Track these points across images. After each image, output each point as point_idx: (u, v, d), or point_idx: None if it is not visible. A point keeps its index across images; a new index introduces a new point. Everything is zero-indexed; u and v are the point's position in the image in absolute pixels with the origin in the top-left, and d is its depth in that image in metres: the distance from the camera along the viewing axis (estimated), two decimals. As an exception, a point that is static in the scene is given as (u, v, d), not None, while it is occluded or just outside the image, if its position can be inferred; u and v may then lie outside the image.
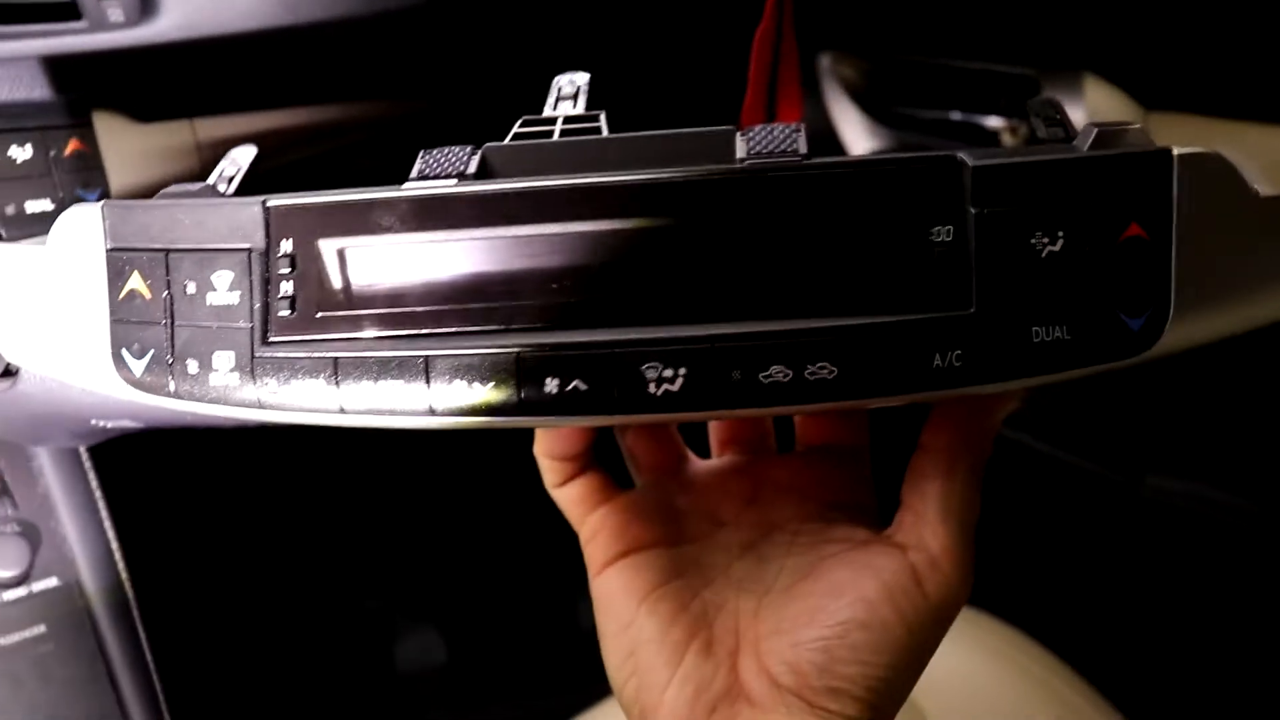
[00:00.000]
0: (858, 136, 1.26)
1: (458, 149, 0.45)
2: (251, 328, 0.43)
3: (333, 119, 0.92)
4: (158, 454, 0.90)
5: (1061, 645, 0.98)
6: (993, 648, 0.96)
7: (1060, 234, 0.39)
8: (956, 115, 1.18)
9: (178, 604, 0.88)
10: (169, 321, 0.44)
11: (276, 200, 0.43)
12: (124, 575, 0.80)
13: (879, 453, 0.59)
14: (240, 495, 1.13)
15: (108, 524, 0.81)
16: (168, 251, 0.44)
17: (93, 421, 0.61)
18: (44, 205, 0.72)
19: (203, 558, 1.10)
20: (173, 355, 0.44)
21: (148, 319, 0.44)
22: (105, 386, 0.46)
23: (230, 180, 0.49)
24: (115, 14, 0.80)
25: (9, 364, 0.66)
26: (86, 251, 0.46)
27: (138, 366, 0.44)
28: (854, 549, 0.50)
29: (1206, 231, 0.39)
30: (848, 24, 1.23)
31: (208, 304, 0.43)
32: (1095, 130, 0.41)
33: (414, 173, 0.44)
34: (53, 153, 0.73)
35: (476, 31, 1.02)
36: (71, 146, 0.74)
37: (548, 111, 0.49)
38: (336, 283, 0.43)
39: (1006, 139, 1.13)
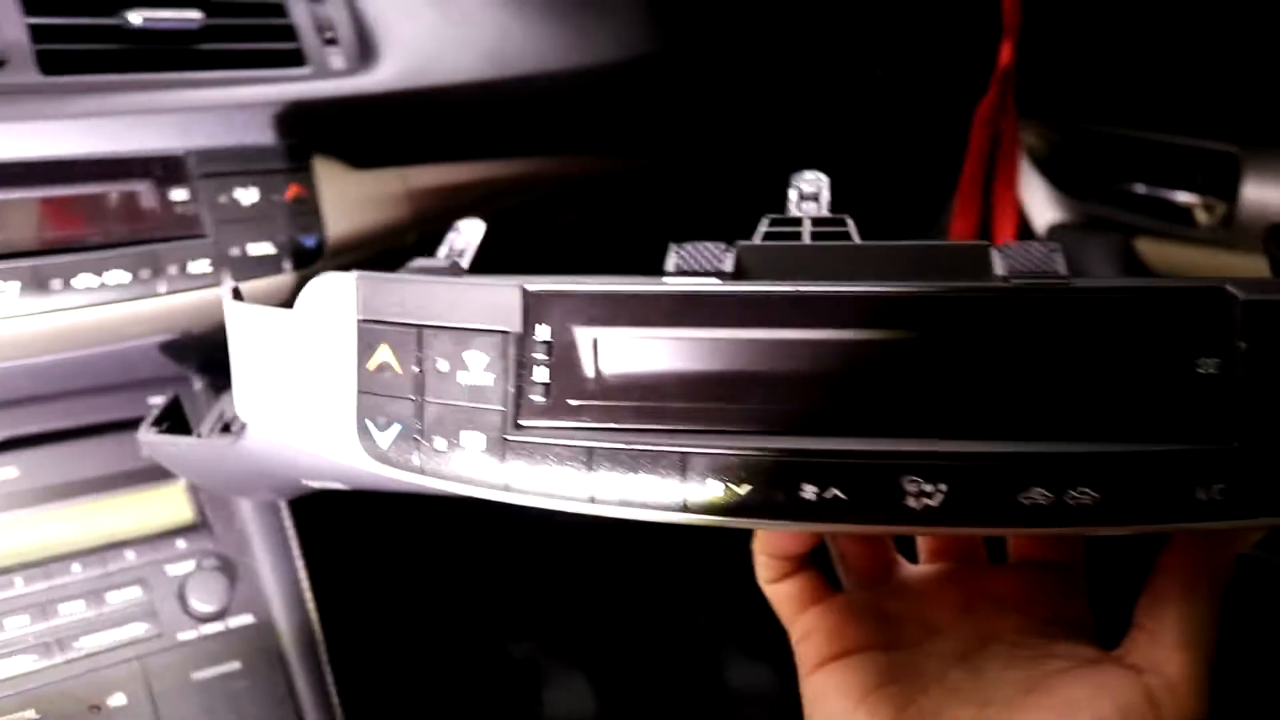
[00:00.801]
0: (1042, 206, 1.25)
1: (711, 245, 0.46)
2: (504, 411, 0.44)
3: (537, 172, 0.94)
4: (347, 498, 0.93)
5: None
6: None
7: None
8: (1146, 189, 1.16)
9: (361, 645, 0.90)
10: (419, 397, 0.45)
11: (535, 285, 0.44)
12: (313, 615, 0.83)
13: (1092, 569, 0.58)
14: (417, 541, 1.15)
15: (299, 563, 0.84)
16: (421, 327, 0.45)
17: (303, 482, 0.63)
18: (266, 249, 0.75)
19: (382, 600, 1.13)
20: (421, 431, 0.45)
21: (397, 393, 0.46)
22: (346, 455, 0.47)
23: (462, 254, 0.51)
24: (337, 62, 0.83)
25: (232, 420, 0.68)
26: (336, 320, 0.47)
27: (383, 439, 0.46)
28: (1083, 667, 0.50)
29: None
30: (1036, 92, 1.22)
31: (460, 383, 0.45)
32: None
33: (670, 267, 0.45)
34: (274, 197, 0.76)
35: (678, 95, 1.04)
36: (292, 191, 0.77)
37: (791, 211, 0.49)
38: (591, 371, 0.44)
39: (1200, 216, 1.10)
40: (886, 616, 0.56)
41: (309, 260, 0.77)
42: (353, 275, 0.47)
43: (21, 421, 0.81)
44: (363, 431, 0.47)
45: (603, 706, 1.38)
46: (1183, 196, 1.12)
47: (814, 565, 0.57)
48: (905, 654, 0.54)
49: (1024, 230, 1.26)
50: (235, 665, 0.78)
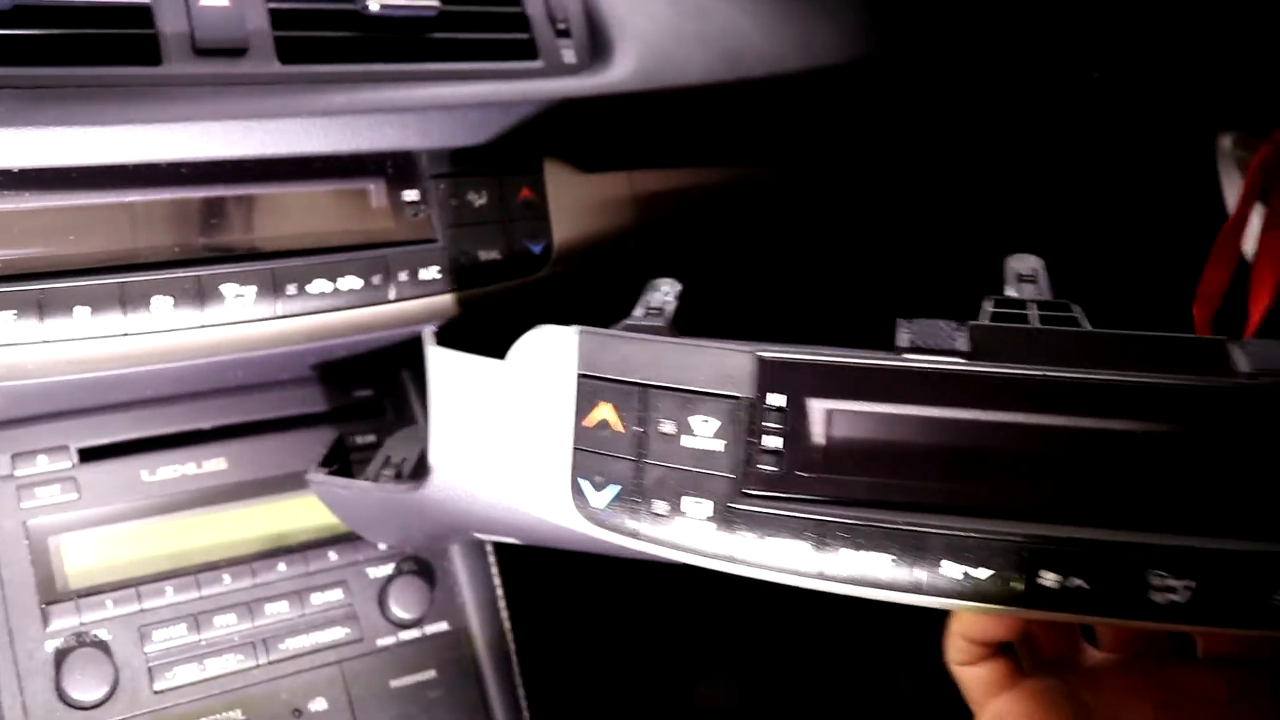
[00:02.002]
0: (1256, 224, 1.18)
1: (942, 323, 0.45)
2: (732, 478, 0.43)
3: (757, 179, 0.93)
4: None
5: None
6: None
7: None
8: None
9: (552, 659, 0.91)
10: (640, 457, 0.45)
11: (770, 353, 0.44)
12: (507, 625, 0.83)
13: None
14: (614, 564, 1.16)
15: (494, 571, 0.84)
16: (647, 387, 0.45)
17: (473, 535, 0.63)
18: (494, 254, 0.75)
19: (574, 615, 1.14)
20: (641, 493, 0.45)
21: (616, 452, 0.45)
22: (555, 512, 0.47)
23: (661, 312, 0.50)
24: (569, 56, 0.82)
25: (400, 465, 0.69)
26: (553, 374, 0.47)
27: (599, 499, 0.45)
28: None
29: None
30: (1255, 104, 1.15)
31: (685, 446, 0.44)
32: None
33: (903, 342, 0.44)
34: (505, 199, 0.76)
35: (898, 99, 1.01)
36: (523, 194, 0.77)
37: (1010, 292, 0.49)
38: (825, 442, 0.43)
39: None
40: (1080, 706, 0.54)
41: (535, 267, 0.77)
42: (574, 330, 0.47)
43: (229, 411, 0.82)
44: (576, 489, 0.46)
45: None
46: None
47: (1008, 650, 0.55)
48: None
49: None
50: (431, 674, 0.79)
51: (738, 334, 0.47)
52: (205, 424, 0.82)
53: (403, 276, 0.72)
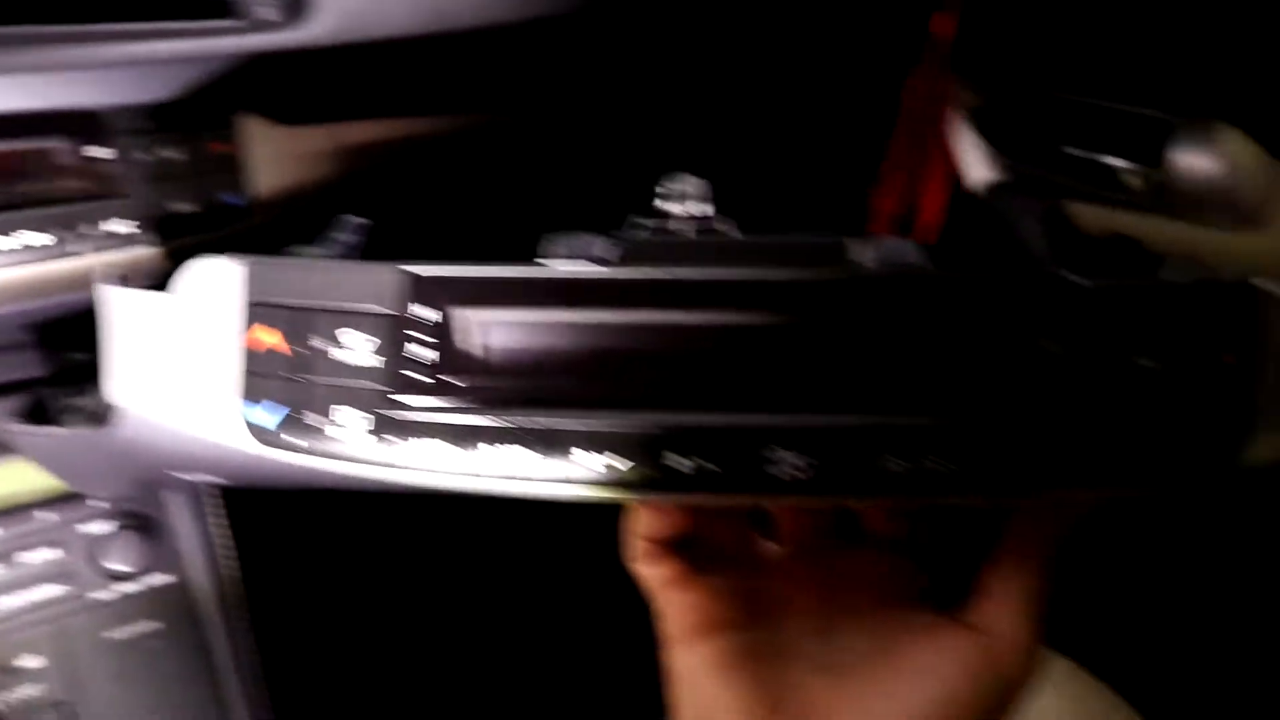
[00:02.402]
0: (976, 164, 1.26)
1: (590, 236, 0.49)
2: (387, 390, 0.46)
3: (467, 129, 0.95)
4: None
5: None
6: (1079, 700, 0.97)
7: (1153, 356, 0.44)
8: (1079, 152, 1.18)
9: (286, 604, 0.91)
10: (302, 377, 0.47)
11: (419, 269, 0.47)
12: (235, 575, 0.84)
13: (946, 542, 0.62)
14: (348, 504, 1.16)
15: (222, 523, 0.85)
16: (307, 309, 0.48)
17: (175, 474, 0.64)
18: (190, 207, 0.75)
19: (310, 557, 1.14)
20: (306, 412, 0.47)
21: (282, 373, 0.48)
22: (228, 437, 0.49)
23: (352, 249, 0.53)
24: (267, 13, 0.83)
25: (99, 408, 0.69)
26: (220, 303, 0.49)
27: (267, 420, 0.48)
28: (930, 631, 0.54)
29: None
30: (972, 54, 1.23)
31: (344, 363, 0.47)
32: (1188, 263, 0.47)
33: (554, 252, 0.48)
34: (199, 155, 0.76)
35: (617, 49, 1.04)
36: (218, 148, 0.78)
37: (670, 208, 0.53)
38: (472, 352, 0.46)
39: (1132, 182, 1.12)
40: (749, 596, 0.59)
41: (236, 219, 0.78)
42: (237, 259, 0.49)
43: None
44: (246, 412, 0.48)
45: (531, 674, 1.40)
46: (1115, 161, 1.13)
47: (682, 548, 0.60)
48: (767, 632, 0.57)
49: (956, 191, 1.28)
50: (153, 625, 0.80)
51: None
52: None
53: (90, 231, 0.72)
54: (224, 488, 0.82)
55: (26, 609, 0.78)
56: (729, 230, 0.51)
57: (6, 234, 0.70)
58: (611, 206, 0.54)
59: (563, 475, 0.45)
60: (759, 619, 0.58)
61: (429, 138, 0.93)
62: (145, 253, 0.74)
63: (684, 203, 0.53)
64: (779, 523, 0.65)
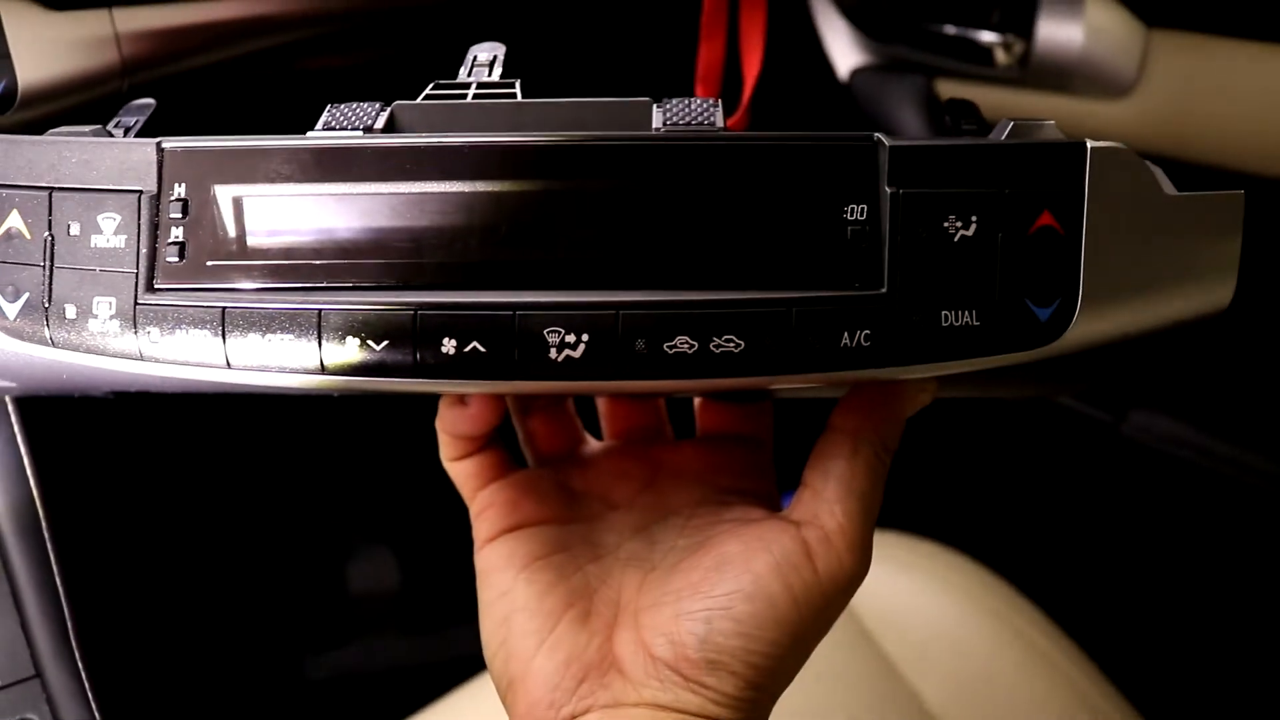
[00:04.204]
0: (844, 50, 1.26)
1: (366, 105, 0.47)
2: (136, 274, 0.44)
3: (260, 14, 0.90)
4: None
5: (1033, 588, 1.00)
6: (960, 586, 0.98)
7: (974, 219, 0.41)
8: (948, 29, 1.19)
9: (96, 524, 0.89)
10: (48, 264, 0.45)
11: (171, 143, 0.44)
12: (34, 491, 0.81)
13: (783, 446, 0.61)
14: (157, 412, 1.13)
15: (19, 434, 0.82)
16: (52, 190, 0.45)
17: None
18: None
19: (129, 470, 1.11)
20: (50, 299, 0.44)
21: (26, 260, 0.45)
22: None
23: (128, 131, 0.50)
24: None
25: None
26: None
27: (11, 310, 0.45)
28: (745, 525, 0.52)
29: (1116, 227, 0.42)
30: None
31: (92, 247, 0.44)
32: (1011, 124, 0.44)
33: (319, 125, 0.45)
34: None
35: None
36: (-31, 33, 0.74)
37: (463, 78, 0.50)
38: (230, 231, 0.44)
39: (1000, 55, 1.13)
40: (567, 492, 0.59)
41: (1, 108, 0.74)
42: None
43: None
44: (-11, 304, 0.46)
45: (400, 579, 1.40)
46: (983, 36, 1.14)
47: (497, 444, 0.59)
48: (581, 527, 0.57)
49: (827, 74, 1.27)
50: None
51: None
52: None
53: None
54: (17, 398, 0.79)
55: None
56: (518, 93, 0.48)
57: None
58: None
59: (317, 363, 0.43)
60: (575, 517, 0.57)
61: (224, 25, 0.89)
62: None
63: (483, 69, 0.51)
64: (604, 416, 0.64)
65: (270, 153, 0.44)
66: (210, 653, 1.21)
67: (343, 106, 0.47)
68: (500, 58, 0.52)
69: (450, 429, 0.56)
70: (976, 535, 1.08)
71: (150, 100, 0.53)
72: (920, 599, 0.98)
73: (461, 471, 0.58)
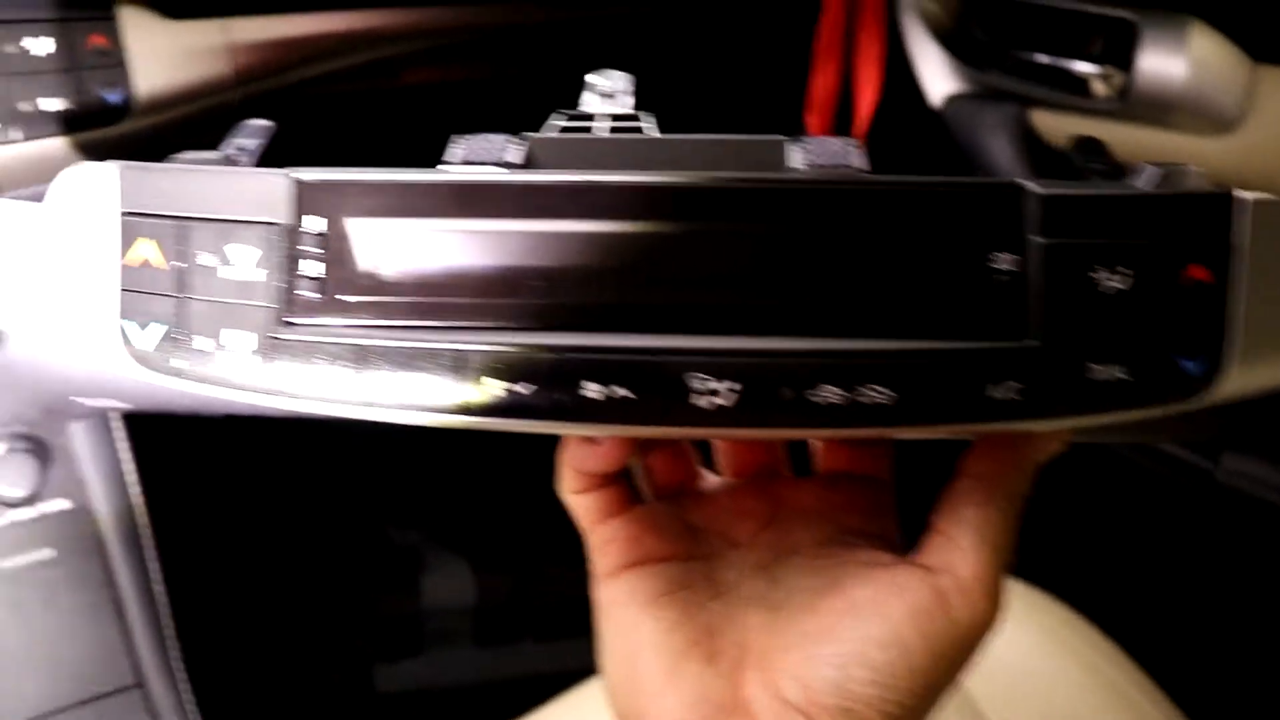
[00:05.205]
0: (937, 76, 1.24)
1: (498, 137, 0.46)
2: (270, 307, 0.44)
3: (371, 27, 0.90)
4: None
5: (1124, 635, 0.99)
6: (1051, 632, 0.97)
7: (1123, 270, 0.41)
8: (1044, 58, 1.17)
9: (192, 533, 0.89)
10: (183, 295, 0.45)
11: (307, 175, 0.44)
12: (137, 501, 0.82)
13: (904, 484, 0.61)
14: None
15: (122, 444, 0.82)
16: (187, 220, 0.45)
17: (77, 401, 0.62)
18: (61, 104, 0.72)
19: (221, 483, 1.12)
20: (185, 331, 0.44)
21: (157, 289, 0.45)
22: (108, 359, 0.46)
23: (247, 151, 0.50)
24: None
25: None
26: (96, 213, 0.46)
27: (146, 340, 0.45)
28: (876, 569, 0.52)
29: (1267, 278, 0.41)
30: None
31: (227, 279, 0.44)
32: (1158, 171, 0.43)
33: (453, 156, 0.45)
34: (73, 47, 0.73)
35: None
36: (94, 40, 0.74)
37: (588, 108, 0.50)
38: (366, 266, 0.43)
39: (1098, 87, 1.11)
40: (688, 529, 0.58)
41: (115, 118, 0.75)
42: (113, 165, 0.46)
43: None
44: (125, 332, 0.46)
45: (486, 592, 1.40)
46: (1080, 66, 1.12)
47: (620, 477, 0.58)
48: (703, 564, 0.56)
49: (919, 101, 1.26)
50: (48, 553, 0.78)
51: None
52: None
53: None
54: (125, 411, 0.80)
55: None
56: (649, 127, 0.48)
57: None
58: (534, 109, 0.51)
59: (465, 402, 0.42)
60: (697, 553, 0.57)
61: (337, 37, 0.89)
62: (11, 152, 0.71)
63: (606, 99, 0.50)
64: (722, 454, 0.64)
65: (409, 188, 0.43)
66: (290, 662, 1.22)
67: (474, 138, 0.46)
68: (627, 87, 0.51)
69: (578, 465, 0.55)
70: (1064, 577, 1.07)
71: (270, 123, 0.53)
72: (1008, 640, 0.97)
73: (582, 505, 0.57)
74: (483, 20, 0.95)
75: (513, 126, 0.48)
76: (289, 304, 0.44)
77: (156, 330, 0.45)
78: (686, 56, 1.07)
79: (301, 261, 0.44)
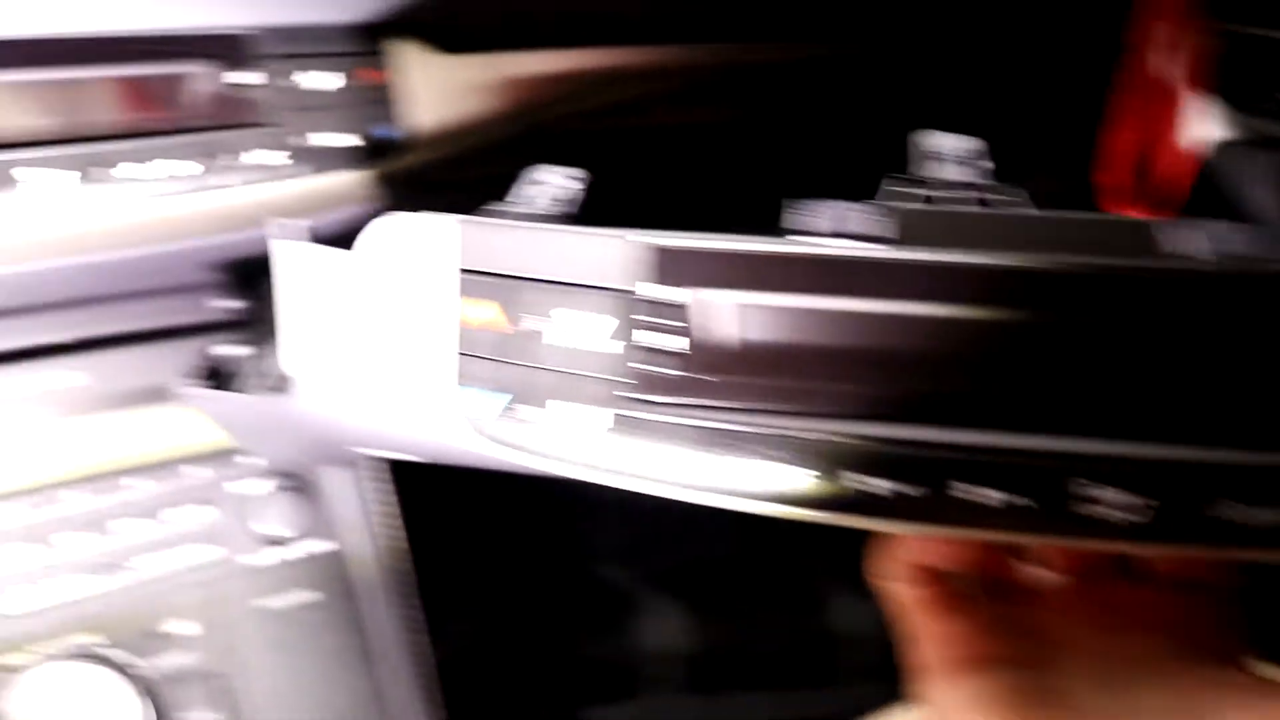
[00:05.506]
0: (1203, 121, 1.19)
1: (858, 205, 0.43)
2: (626, 382, 0.41)
3: (640, 64, 0.88)
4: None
5: None
6: None
7: None
8: None
9: (448, 579, 0.88)
10: (529, 363, 0.42)
11: (666, 240, 0.41)
12: (399, 544, 0.81)
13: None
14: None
15: (386, 485, 0.82)
16: (535, 281, 0.43)
17: (359, 450, 0.61)
18: (339, 140, 0.71)
19: (473, 532, 1.11)
20: (530, 402, 0.42)
21: (499, 355, 0.43)
22: (436, 426, 0.45)
23: (567, 203, 0.48)
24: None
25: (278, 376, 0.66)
26: (427, 267, 0.44)
27: (487, 409, 0.43)
28: (1241, 695, 0.48)
29: None
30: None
31: (576, 349, 0.42)
32: None
33: (821, 226, 0.42)
34: (349, 82, 0.72)
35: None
36: (366, 76, 0.73)
37: (945, 173, 0.47)
38: (726, 342, 0.40)
39: None
40: (1021, 629, 0.54)
41: (389, 154, 0.74)
42: (450, 217, 0.44)
43: (86, 324, 0.78)
44: (459, 398, 0.44)
45: (695, 639, 1.38)
46: None
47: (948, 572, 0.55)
48: (1040, 672, 0.52)
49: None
50: (310, 595, 0.77)
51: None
52: (61, 337, 0.77)
53: (235, 162, 0.69)
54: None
55: (176, 571, 0.75)
56: (1019, 201, 0.44)
57: (143, 162, 0.66)
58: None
59: (815, 495, 0.39)
60: (1030, 657, 0.53)
61: (616, 74, 0.87)
62: (297, 187, 0.70)
63: (950, 165, 0.47)
64: (1053, 549, 0.60)
65: (776, 260, 0.40)
66: (496, 702, 1.22)
67: (831, 206, 0.43)
68: (982, 154, 0.48)
69: (916, 559, 0.52)
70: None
71: (580, 173, 0.51)
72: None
73: (908, 596, 0.54)
74: (752, 59, 0.92)
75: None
76: (645, 380, 0.41)
77: (498, 399, 0.43)
78: (954, 101, 1.03)
79: (659, 335, 0.41)
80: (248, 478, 0.78)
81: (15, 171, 0.62)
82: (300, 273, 0.48)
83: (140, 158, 0.66)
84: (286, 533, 0.77)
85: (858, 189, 0.45)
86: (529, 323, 0.43)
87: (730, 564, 1.39)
